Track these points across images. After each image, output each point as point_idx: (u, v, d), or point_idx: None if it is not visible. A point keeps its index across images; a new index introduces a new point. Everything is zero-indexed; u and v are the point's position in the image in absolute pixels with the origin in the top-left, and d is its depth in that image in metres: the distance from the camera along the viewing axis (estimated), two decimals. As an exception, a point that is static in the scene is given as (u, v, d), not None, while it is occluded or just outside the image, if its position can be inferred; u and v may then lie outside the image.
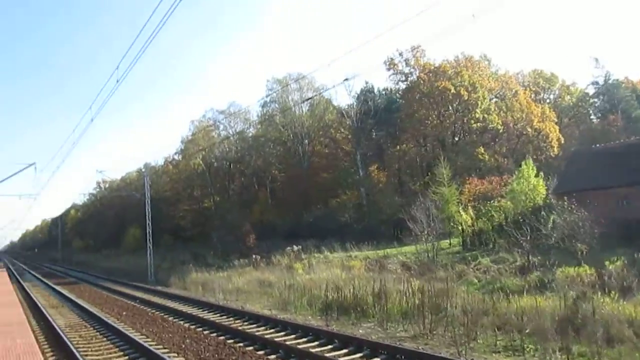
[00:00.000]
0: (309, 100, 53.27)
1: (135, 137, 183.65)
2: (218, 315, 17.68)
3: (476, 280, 19.03)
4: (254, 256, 33.24)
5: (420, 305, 14.29)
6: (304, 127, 54.53)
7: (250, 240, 41.23)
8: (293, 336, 13.02)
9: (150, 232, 36.35)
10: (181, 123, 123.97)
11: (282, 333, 13.54)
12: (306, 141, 55.25)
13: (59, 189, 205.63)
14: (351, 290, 17.06)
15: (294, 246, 33.06)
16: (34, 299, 24.28)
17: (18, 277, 43.21)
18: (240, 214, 50.34)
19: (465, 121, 43.51)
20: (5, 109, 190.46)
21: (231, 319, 16.62)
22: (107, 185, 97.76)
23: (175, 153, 75.91)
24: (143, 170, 71.13)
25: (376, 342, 11.38)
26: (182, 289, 28.31)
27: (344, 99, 61.31)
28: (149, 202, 37.01)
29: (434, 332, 12.84)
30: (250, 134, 65.35)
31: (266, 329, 14.31)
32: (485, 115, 42.28)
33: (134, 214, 72.11)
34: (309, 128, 54.78)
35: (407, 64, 49.25)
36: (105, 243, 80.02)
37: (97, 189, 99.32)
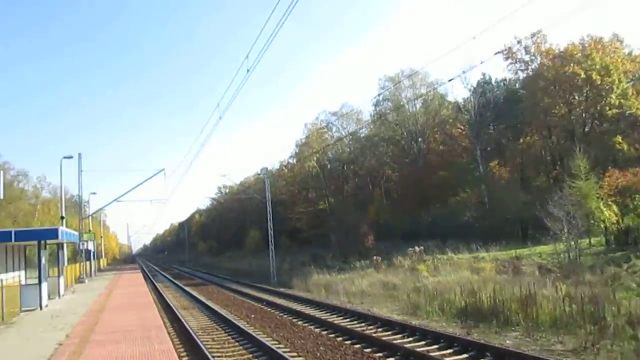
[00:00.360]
0: (423, 97, 51.70)
1: (254, 142, 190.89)
2: (348, 319, 17.04)
3: (634, 285, 16.76)
4: (374, 257, 32.39)
5: (574, 313, 12.66)
6: (418, 125, 53.02)
7: (369, 242, 40.50)
8: (436, 346, 11.96)
9: (273, 234, 36.78)
10: (296, 127, 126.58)
11: (422, 342, 12.51)
12: (420, 139, 53.71)
13: (186, 194, 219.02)
14: (490, 295, 15.64)
15: (416, 247, 31.79)
16: (167, 300, 25.28)
17: (151, 278, 45.86)
18: (357, 215, 49.86)
19: (598, 108, 39.65)
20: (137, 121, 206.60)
21: (362, 324, 15.88)
22: (227, 190, 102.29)
23: (290, 157, 77.40)
24: (260, 174, 73.26)
25: (538, 358, 9.94)
26: (305, 291, 28.14)
27: (460, 92, 58.98)
28: (270, 204, 37.45)
29: (597, 346, 11.19)
30: (363, 134, 64.72)
31: (403, 337, 13.36)
32: (622, 101, 38.22)
33: (253, 216, 74.45)
34: (423, 125, 53.17)
35: (526, 52, 46.09)
36: (227, 245, 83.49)
37: (218, 194, 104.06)
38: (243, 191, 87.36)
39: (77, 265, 37.31)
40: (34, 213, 69.30)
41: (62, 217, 32.45)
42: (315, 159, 66.10)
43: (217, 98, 46.34)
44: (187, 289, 32.79)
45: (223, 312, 20.26)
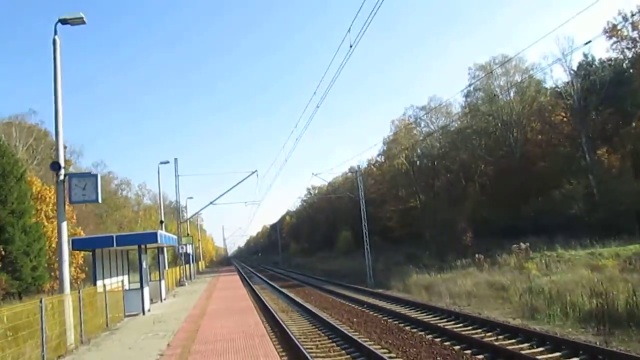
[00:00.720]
0: (517, 84, 48.56)
1: (343, 141, 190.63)
2: (459, 324, 15.58)
3: None
4: (476, 255, 30.39)
5: None
6: (513, 114, 49.87)
7: (467, 239, 38.43)
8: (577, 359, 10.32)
9: (367, 233, 35.71)
10: (382, 124, 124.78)
11: (557, 354, 10.86)
12: (516, 129, 50.45)
13: (279, 194, 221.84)
14: (626, 296, 13.64)
15: (521, 244, 29.45)
16: (265, 302, 24.90)
17: (247, 279, 46.24)
18: (451, 212, 47.70)
19: None
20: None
21: (478, 330, 14.36)
22: (316, 191, 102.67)
23: (378, 155, 76.15)
24: (350, 172, 72.50)
25: None
26: (405, 292, 26.79)
27: (559, 76, 54.82)
28: (364, 202, 36.42)
29: None
30: (454, 128, 62.04)
31: (532, 347, 11.72)
32: None
33: (344, 216, 73.83)
34: (518, 114, 49.89)
35: (634, 28, 41.94)
36: (318, 246, 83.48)
37: (308, 195, 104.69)
38: (333, 191, 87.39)
39: (177, 268, 38.18)
40: (137, 219, 72.72)
41: (161, 222, 33.23)
42: (404, 155, 64.46)
43: (306, 99, 45.97)
44: (284, 290, 32.44)
45: (323, 315, 19.43)
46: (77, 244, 19.30)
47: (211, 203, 37.34)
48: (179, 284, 36.55)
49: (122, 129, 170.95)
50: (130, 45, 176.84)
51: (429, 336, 13.91)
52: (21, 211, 33.23)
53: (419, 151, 65.16)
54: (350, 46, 13.72)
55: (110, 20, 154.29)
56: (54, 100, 13.19)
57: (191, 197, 52.29)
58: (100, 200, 13.52)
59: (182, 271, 38.19)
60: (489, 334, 13.65)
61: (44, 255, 33.59)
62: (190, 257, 46.03)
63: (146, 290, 19.41)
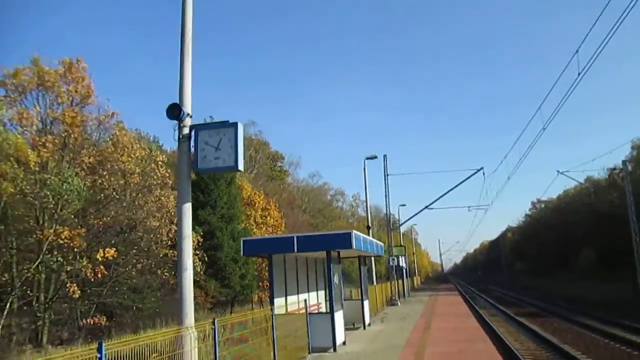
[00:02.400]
0: None
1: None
2: None
3: None
4: None
5: None
6: None
7: None
8: None
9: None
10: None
11: None
12: None
13: (509, 200, 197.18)
14: None
15: None
16: (503, 339, 17.25)
17: (471, 301, 38.19)
18: None
19: None
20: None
21: None
22: (542, 205, 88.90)
23: (625, 160, 61.04)
24: (606, 171, 59.42)
25: None
26: None
27: None
28: (633, 209, 26.15)
29: None
30: None
31: None
32: None
33: (582, 234, 60.52)
34: None
35: None
36: (548, 266, 70.32)
37: (533, 209, 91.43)
38: (564, 204, 73.65)
39: (388, 284, 32.06)
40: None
41: (368, 227, 27.51)
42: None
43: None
44: (522, 320, 24.10)
45: None
46: (249, 247, 14.19)
47: (427, 207, 30.63)
48: (390, 303, 30.39)
49: (334, 137, 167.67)
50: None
51: None
52: (230, 216, 30.78)
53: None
54: None
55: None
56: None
57: (404, 205, 45.23)
58: (241, 167, 7.90)
59: (393, 288, 31.84)
60: None
61: (252, 263, 30.67)
62: (404, 271, 39.67)
63: (338, 315, 13.47)
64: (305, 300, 13.15)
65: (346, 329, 17.52)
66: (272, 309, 12.13)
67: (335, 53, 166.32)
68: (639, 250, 24.92)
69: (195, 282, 27.42)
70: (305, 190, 66.17)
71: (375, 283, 27.08)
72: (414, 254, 72.99)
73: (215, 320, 8.01)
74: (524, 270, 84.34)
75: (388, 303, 30.23)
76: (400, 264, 36.76)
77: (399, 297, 34.65)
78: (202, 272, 27.50)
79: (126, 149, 22.75)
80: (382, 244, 19.79)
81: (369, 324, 18.73)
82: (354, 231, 13.09)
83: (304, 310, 13.02)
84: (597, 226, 54.49)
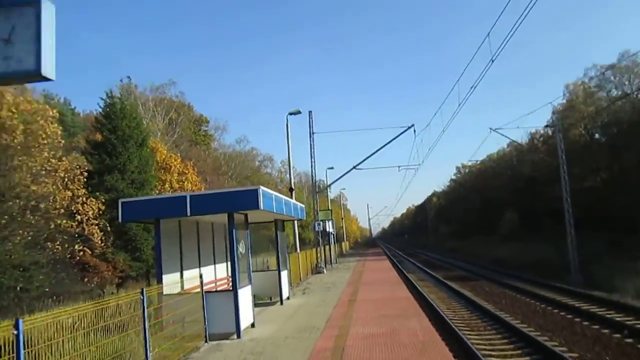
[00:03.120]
0: None
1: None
2: None
3: None
4: None
5: None
6: None
7: None
8: None
9: (571, 211, 24.28)
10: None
11: None
12: None
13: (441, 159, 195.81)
14: None
15: None
16: (434, 305, 15.35)
17: (399, 265, 36.81)
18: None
19: None
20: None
21: None
22: (466, 170, 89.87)
23: (546, 126, 61.67)
24: (511, 144, 59.54)
25: None
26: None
27: None
28: (565, 169, 24.99)
29: None
30: (656, 86, 46.39)
31: None
32: None
33: (505, 196, 61.07)
34: None
35: None
36: (472, 229, 70.99)
37: (457, 174, 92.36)
38: (489, 168, 74.27)
39: (313, 251, 29.47)
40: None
41: (290, 190, 24.27)
42: (582, 126, 50.73)
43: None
44: (451, 284, 22.60)
45: (551, 344, 9.39)
46: (129, 211, 10.81)
47: (355, 167, 27.97)
48: (316, 270, 28.02)
49: (264, 104, 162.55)
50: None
51: None
52: (142, 182, 26.99)
53: (605, 119, 50.33)
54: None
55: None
56: None
57: (331, 168, 41.72)
58: (49, 73, 4.59)
59: (319, 255, 29.30)
60: None
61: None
62: (331, 236, 37.31)
63: (245, 292, 10.66)
64: (200, 276, 10.22)
65: (261, 305, 14.88)
66: (158, 290, 9.23)
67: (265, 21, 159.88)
68: (570, 209, 23.82)
69: (100, 254, 23.81)
70: (232, 156, 62.39)
71: (298, 251, 24.45)
72: (342, 219, 71.39)
73: (20, 322, 4.94)
74: (448, 234, 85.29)
75: (314, 271, 27.88)
76: (328, 229, 34.42)
77: (325, 265, 32.49)
78: (107, 244, 24.00)
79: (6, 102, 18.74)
80: (303, 205, 17.08)
81: (288, 298, 16.11)
82: (262, 187, 10.21)
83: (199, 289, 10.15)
84: (519, 189, 54.84)
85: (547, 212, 51.72)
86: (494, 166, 70.91)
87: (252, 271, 12.53)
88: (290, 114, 24.30)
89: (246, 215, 11.14)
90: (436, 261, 42.92)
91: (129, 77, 45.80)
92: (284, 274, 15.76)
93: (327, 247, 36.24)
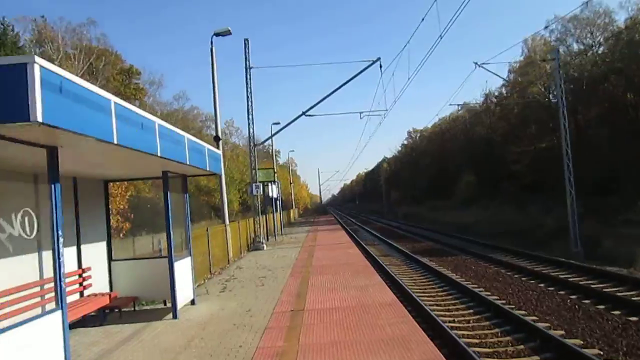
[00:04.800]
0: None
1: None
2: None
3: None
4: None
5: None
6: None
7: None
8: None
9: (572, 171, 18.94)
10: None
11: None
12: None
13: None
14: None
15: None
16: (416, 299, 9.58)
17: (354, 234, 31.14)
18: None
19: None
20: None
21: None
22: (418, 135, 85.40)
23: (502, 85, 57.06)
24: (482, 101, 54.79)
25: None
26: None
27: None
28: (566, 123, 19.57)
29: None
30: (623, 39, 41.99)
31: None
32: None
33: (460, 160, 56.52)
34: None
35: None
36: (425, 194, 66.45)
37: (409, 139, 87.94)
38: (438, 132, 69.68)
39: (249, 220, 22.61)
40: (223, 162, 59.50)
41: (216, 138, 17.32)
42: (542, 84, 46.46)
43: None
44: (423, 260, 17.11)
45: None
46: None
47: (304, 114, 21.14)
48: (253, 247, 21.57)
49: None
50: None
51: None
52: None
53: (564, 76, 45.84)
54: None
55: None
56: None
57: (277, 123, 32.65)
58: None
59: (258, 225, 22.34)
60: None
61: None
62: (275, 202, 30.69)
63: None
64: None
65: (141, 316, 8.52)
66: None
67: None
68: (571, 170, 18.42)
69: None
70: (169, 114, 54.57)
71: (227, 220, 17.96)
72: (291, 184, 65.09)
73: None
74: (400, 199, 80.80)
75: (250, 247, 21.47)
76: (271, 194, 27.93)
77: (268, 237, 26.26)
78: None
79: None
80: (218, 152, 10.52)
81: (193, 302, 9.70)
82: (37, 58, 3.64)
83: None
84: (475, 153, 50.33)
85: (504, 176, 47.64)
86: (448, 129, 66.28)
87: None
88: (217, 34, 17.31)
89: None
90: (395, 229, 37.54)
91: (43, 16, 37.51)
92: (184, 265, 9.27)
93: (271, 216, 29.91)
